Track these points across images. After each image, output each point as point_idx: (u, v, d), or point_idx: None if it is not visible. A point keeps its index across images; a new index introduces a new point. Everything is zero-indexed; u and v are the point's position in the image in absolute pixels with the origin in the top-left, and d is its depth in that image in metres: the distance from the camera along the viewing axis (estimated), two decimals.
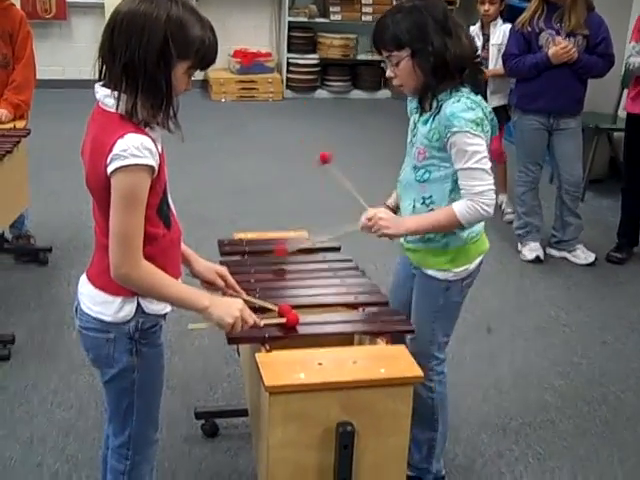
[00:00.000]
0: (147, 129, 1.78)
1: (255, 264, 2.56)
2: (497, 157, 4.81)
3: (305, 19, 8.00)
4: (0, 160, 3.43)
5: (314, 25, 8.10)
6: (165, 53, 1.73)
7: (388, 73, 2.27)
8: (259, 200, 5.16)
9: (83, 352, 3.33)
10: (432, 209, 2.30)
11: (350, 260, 2.61)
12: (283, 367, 1.94)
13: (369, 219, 2.30)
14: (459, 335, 3.62)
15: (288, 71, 8.09)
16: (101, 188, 1.79)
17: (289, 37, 8.01)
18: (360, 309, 2.28)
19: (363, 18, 8.02)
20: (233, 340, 2.12)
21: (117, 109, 1.77)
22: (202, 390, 3.12)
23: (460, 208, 2.19)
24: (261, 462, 2.08)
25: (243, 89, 7.85)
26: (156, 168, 1.79)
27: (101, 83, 1.82)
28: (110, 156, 1.73)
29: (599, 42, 4.14)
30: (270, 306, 2.13)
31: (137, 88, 1.74)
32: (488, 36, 4.80)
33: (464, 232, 2.30)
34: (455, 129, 2.16)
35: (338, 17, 8.00)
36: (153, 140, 1.79)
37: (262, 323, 2.01)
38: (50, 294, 3.81)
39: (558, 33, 4.14)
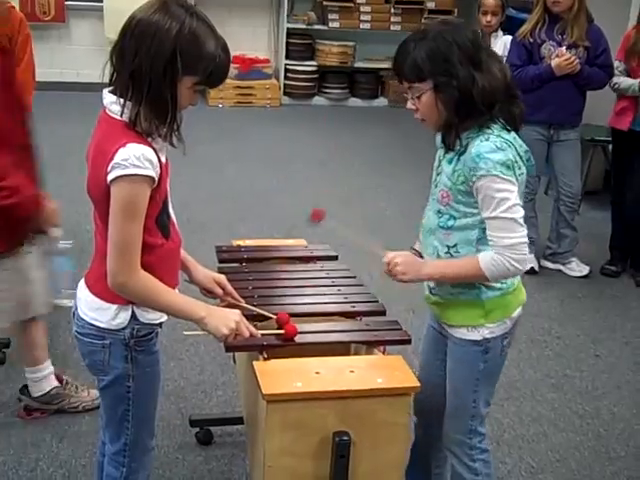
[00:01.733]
0: (150, 139, 1.79)
1: (253, 271, 2.56)
2: None
3: (304, 26, 8.03)
4: None
5: (312, 32, 8.13)
6: (172, 66, 1.72)
7: (409, 105, 2.03)
8: (256, 206, 5.17)
9: (78, 356, 3.33)
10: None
11: (348, 269, 2.61)
12: (281, 375, 1.94)
13: (387, 264, 2.10)
14: None
15: (286, 77, 8.11)
16: (101, 195, 1.80)
17: (287, 44, 8.04)
18: (357, 318, 2.29)
19: (361, 26, 8.06)
20: (230, 348, 2.13)
21: (122, 116, 1.77)
22: (197, 397, 3.12)
23: (486, 260, 1.97)
24: (256, 470, 2.09)
25: (240, 95, 7.86)
26: (156, 179, 1.78)
27: (109, 89, 1.81)
28: (111, 164, 1.73)
29: (599, 54, 4.18)
30: (268, 315, 2.14)
31: (141, 97, 1.74)
32: (489, 47, 4.83)
33: (500, 280, 2.07)
34: (481, 172, 1.92)
35: (336, 24, 8.03)
36: (155, 150, 1.79)
37: (259, 334, 2.01)
38: None
39: (560, 44, 4.17)
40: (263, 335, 2.03)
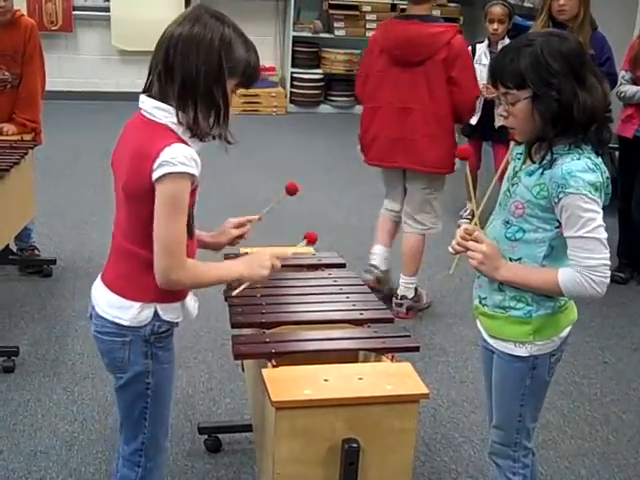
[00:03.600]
0: (191, 142, 1.88)
1: None
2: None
3: (309, 34, 8.07)
4: (7, 172, 3.45)
5: (318, 40, 8.16)
6: (220, 71, 1.85)
7: (500, 110, 2.02)
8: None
9: (87, 365, 3.35)
10: None
11: (356, 277, 2.62)
12: (289, 383, 1.95)
13: (470, 235, 2.04)
14: (461, 352, 3.64)
15: (292, 85, 8.14)
16: (142, 191, 1.84)
17: (293, 52, 8.08)
18: (366, 326, 2.29)
19: (367, 34, 8.06)
20: (239, 356, 2.15)
21: (178, 121, 1.85)
22: (205, 405, 3.12)
23: (565, 277, 1.94)
24: (265, 478, 2.09)
25: (247, 103, 7.88)
26: (197, 178, 1.88)
27: (147, 94, 1.90)
28: (158, 162, 1.80)
29: (603, 61, 4.17)
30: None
31: (196, 102, 1.85)
32: (495, 54, 4.83)
33: (552, 299, 2.05)
34: (570, 190, 1.87)
35: (342, 32, 8.06)
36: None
37: (290, 252, 2.27)
38: (54, 306, 3.82)
39: None
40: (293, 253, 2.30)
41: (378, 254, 3.98)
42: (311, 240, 2.29)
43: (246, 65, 1.90)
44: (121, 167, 1.91)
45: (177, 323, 2.03)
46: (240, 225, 2.31)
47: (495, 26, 4.83)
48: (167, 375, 2.06)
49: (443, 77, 3.64)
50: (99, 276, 2.03)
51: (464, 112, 3.82)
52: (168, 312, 1.97)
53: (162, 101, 1.86)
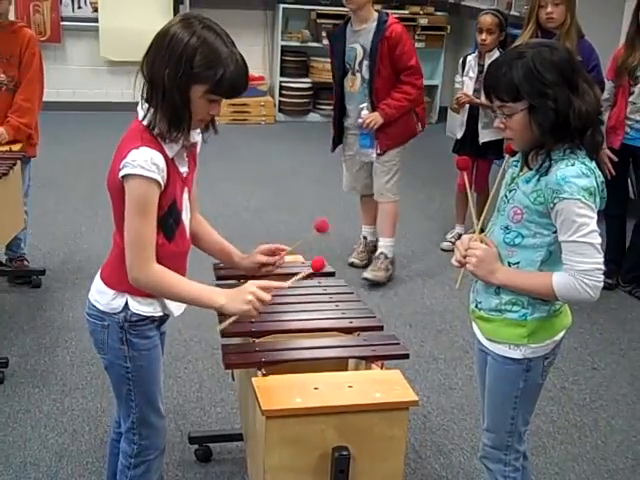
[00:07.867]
0: (166, 146, 1.92)
1: None
2: (479, 190, 4.90)
3: (298, 43, 8.08)
4: None
5: (307, 49, 8.18)
6: (182, 73, 1.82)
7: (497, 123, 2.05)
8: (252, 223, 5.18)
9: (77, 376, 3.35)
10: None
11: (345, 285, 2.62)
12: (279, 391, 1.95)
13: (466, 248, 2.08)
14: (450, 359, 3.65)
15: (281, 94, 8.16)
16: (115, 189, 1.94)
17: (282, 61, 8.09)
18: (355, 334, 2.30)
19: None
20: (229, 365, 2.15)
21: (144, 119, 1.91)
22: (196, 414, 3.12)
23: (559, 281, 1.97)
24: None
25: (235, 112, 7.89)
26: (162, 183, 1.89)
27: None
28: (123, 162, 1.87)
29: (591, 69, 4.19)
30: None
31: (157, 103, 1.87)
32: (483, 67, 4.60)
33: (547, 303, 2.08)
34: (565, 195, 1.91)
35: None
36: (166, 156, 1.91)
37: (287, 285, 2.08)
38: (43, 317, 3.81)
39: None
40: (291, 282, 2.10)
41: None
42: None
43: (216, 72, 1.83)
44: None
45: (155, 317, 2.07)
46: (270, 252, 2.26)
47: (483, 36, 4.63)
48: (147, 360, 2.10)
49: None
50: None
51: None
52: (140, 305, 2.03)
53: (144, 100, 1.91)
